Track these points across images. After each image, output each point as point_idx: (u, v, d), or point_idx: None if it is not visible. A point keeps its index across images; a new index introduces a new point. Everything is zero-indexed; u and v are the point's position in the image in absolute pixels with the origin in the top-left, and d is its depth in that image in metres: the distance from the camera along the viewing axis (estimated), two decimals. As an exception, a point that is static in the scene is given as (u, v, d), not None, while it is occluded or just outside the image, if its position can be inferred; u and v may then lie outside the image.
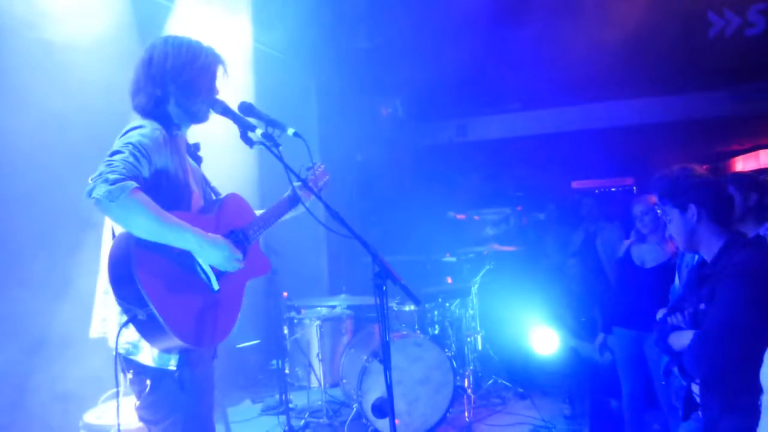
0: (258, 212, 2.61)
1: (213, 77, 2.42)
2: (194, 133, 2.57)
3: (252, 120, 2.38)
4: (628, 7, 7.27)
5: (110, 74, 3.66)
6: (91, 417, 3.30)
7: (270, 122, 2.36)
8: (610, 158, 9.45)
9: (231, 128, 2.41)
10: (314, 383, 5.30)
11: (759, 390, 1.89)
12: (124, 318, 2.07)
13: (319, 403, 5.13)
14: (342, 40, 7.31)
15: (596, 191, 10.29)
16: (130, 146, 2.09)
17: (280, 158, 2.34)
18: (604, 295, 4.45)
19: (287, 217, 2.72)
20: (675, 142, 8.99)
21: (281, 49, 6.67)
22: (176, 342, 2.06)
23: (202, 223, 2.22)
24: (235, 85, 2.57)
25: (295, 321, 5.39)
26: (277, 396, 5.38)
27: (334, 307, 5.49)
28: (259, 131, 2.34)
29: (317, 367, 5.22)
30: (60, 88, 3.82)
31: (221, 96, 2.44)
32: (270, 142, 2.33)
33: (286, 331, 5.37)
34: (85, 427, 3.27)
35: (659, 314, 3.16)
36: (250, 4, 5.89)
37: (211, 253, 2.16)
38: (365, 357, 4.60)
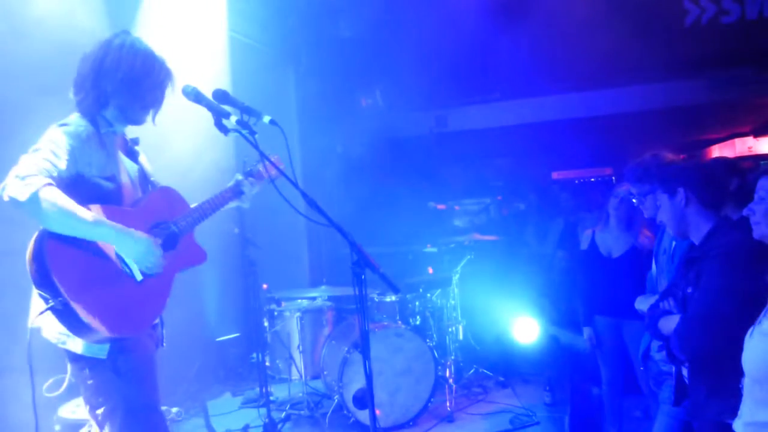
0: (194, 204, 2.60)
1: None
2: (165, 124, 2.53)
3: (227, 107, 2.36)
4: None
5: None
6: (65, 411, 3.26)
7: (245, 110, 2.35)
8: (589, 148, 9.51)
9: (207, 118, 2.36)
10: (295, 375, 5.27)
11: (742, 373, 1.90)
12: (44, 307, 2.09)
13: (300, 395, 5.10)
14: (321, 29, 7.25)
15: (576, 181, 10.36)
16: (51, 143, 2.14)
17: (255, 145, 2.33)
18: (578, 285, 4.47)
19: (232, 206, 2.74)
20: (652, 131, 9.06)
21: (259, 38, 6.58)
22: (95, 332, 2.09)
23: (125, 215, 2.25)
24: (210, 75, 2.54)
25: (276, 313, 5.35)
26: (258, 389, 5.34)
27: (314, 298, 5.46)
28: (234, 119, 2.31)
29: (298, 359, 5.19)
30: (28, 82, 3.72)
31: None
32: (245, 130, 2.31)
33: (266, 324, 5.33)
34: (58, 421, 3.23)
35: (638, 302, 3.19)
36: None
37: (128, 247, 2.19)
38: (346, 348, 4.58)
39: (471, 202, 7.80)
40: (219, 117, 2.33)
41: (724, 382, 2.16)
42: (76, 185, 2.17)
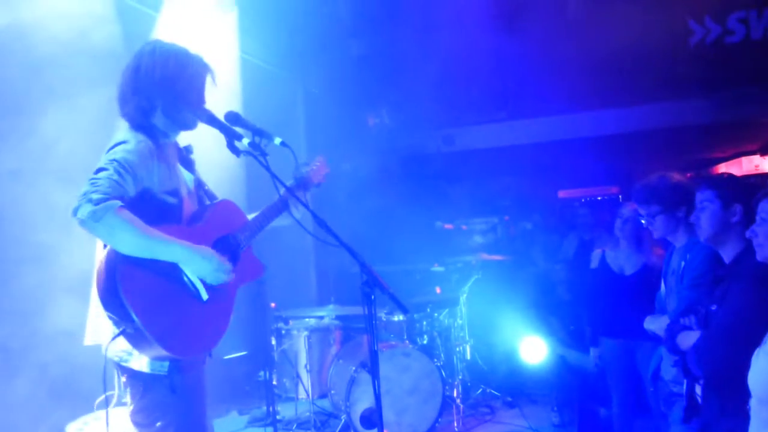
0: (250, 216, 2.60)
1: (201, 86, 2.42)
2: (181, 138, 2.57)
3: (239, 129, 2.39)
4: (611, 18, 7.36)
5: (97, 85, 3.66)
6: (73, 428, 3.27)
7: (257, 131, 2.37)
8: (596, 167, 9.53)
9: (218, 135, 2.40)
10: (302, 394, 5.25)
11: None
12: (116, 330, 2.09)
13: (307, 414, 5.09)
14: (329, 50, 7.32)
15: (582, 200, 10.36)
16: (115, 163, 2.10)
17: (267, 167, 2.35)
18: (587, 304, 4.45)
19: (279, 223, 2.70)
20: (659, 151, 9.08)
21: (268, 59, 6.67)
22: (164, 353, 2.08)
23: (190, 233, 2.23)
24: (221, 95, 2.56)
25: (283, 332, 5.35)
26: (265, 407, 5.32)
27: (322, 317, 5.46)
28: (246, 140, 2.34)
29: (305, 378, 5.18)
30: (48, 99, 3.80)
31: (208, 105, 2.43)
32: (257, 152, 2.34)
33: (273, 342, 5.33)
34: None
35: (647, 322, 3.18)
36: (236, 15, 5.88)
37: (198, 265, 2.18)
38: (353, 368, 4.58)
39: (478, 221, 7.81)
40: (231, 139, 2.35)
41: (737, 401, 2.16)
42: (142, 203, 2.15)
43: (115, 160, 2.11)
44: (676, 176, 3.20)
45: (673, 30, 7.96)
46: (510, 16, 7.66)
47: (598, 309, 4.16)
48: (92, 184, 2.02)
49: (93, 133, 3.65)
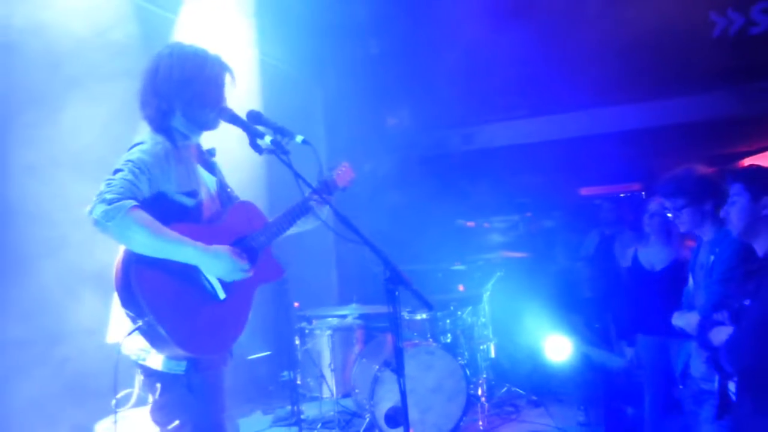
0: (271, 219, 2.60)
1: (220, 86, 2.43)
2: (204, 141, 2.58)
3: (260, 128, 2.39)
4: (630, 10, 7.26)
5: (116, 87, 3.70)
6: (102, 427, 3.29)
7: (278, 130, 2.38)
8: (618, 163, 9.40)
9: (239, 135, 2.41)
10: (326, 394, 5.27)
11: None
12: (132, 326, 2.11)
13: (331, 413, 5.10)
14: (347, 50, 7.34)
15: (605, 198, 10.22)
16: (130, 164, 2.14)
17: (289, 165, 2.35)
18: (620, 303, 4.40)
19: (297, 229, 2.68)
20: (682, 145, 8.93)
21: (287, 60, 6.69)
22: (178, 351, 2.10)
23: (208, 232, 2.24)
24: (241, 98, 2.56)
25: (306, 331, 5.37)
26: (289, 407, 5.35)
27: (345, 316, 5.47)
28: (268, 138, 2.35)
29: (329, 377, 5.19)
30: (66, 93, 3.86)
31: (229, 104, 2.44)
32: (279, 150, 2.34)
33: (297, 342, 5.35)
34: (96, 439, 3.27)
35: (676, 318, 3.13)
36: (254, 17, 5.92)
37: (213, 265, 2.19)
38: (377, 366, 4.57)
39: (499, 219, 7.76)
40: (254, 138, 2.36)
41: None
42: (158, 204, 2.17)
43: (130, 160, 2.15)
44: (702, 169, 3.15)
45: (694, 21, 7.82)
46: (529, 13, 7.59)
47: (631, 307, 4.12)
48: (107, 184, 2.06)
49: (109, 128, 3.74)
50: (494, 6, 7.31)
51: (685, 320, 3.01)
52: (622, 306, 4.23)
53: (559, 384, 5.71)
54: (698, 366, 2.97)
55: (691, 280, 3.21)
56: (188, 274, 2.18)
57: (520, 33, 7.29)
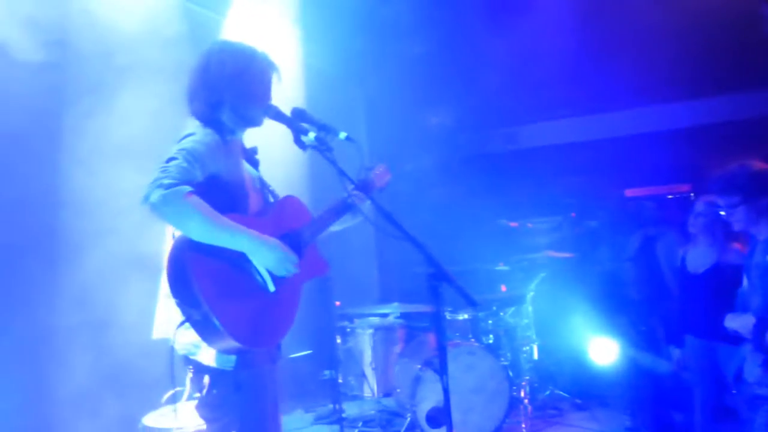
0: (315, 215, 2.62)
1: (268, 83, 2.46)
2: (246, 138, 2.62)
3: (304, 125, 2.41)
4: (678, 5, 7.07)
5: (164, 81, 3.82)
6: (150, 420, 3.36)
7: (322, 127, 2.40)
8: (665, 164, 9.14)
9: (283, 132, 2.44)
10: (367, 393, 5.28)
11: None
12: (182, 319, 2.11)
13: (372, 412, 5.11)
14: (389, 50, 7.34)
15: (652, 199, 9.96)
16: (184, 152, 2.15)
17: (333, 162, 2.36)
18: (667, 305, 4.30)
19: (340, 226, 2.71)
20: (732, 144, 8.61)
21: (329, 60, 6.74)
22: (231, 342, 2.09)
23: (257, 225, 2.24)
24: (285, 98, 2.59)
25: (348, 330, 5.39)
26: (330, 405, 5.38)
27: (386, 315, 5.47)
28: (311, 135, 2.37)
29: (370, 376, 5.20)
30: (118, 95, 3.98)
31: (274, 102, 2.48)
32: (323, 146, 2.36)
33: (338, 341, 5.37)
34: (144, 430, 3.34)
35: (728, 320, 3.02)
36: (298, 19, 5.99)
37: (264, 255, 2.19)
38: (418, 366, 4.56)
39: (543, 220, 7.65)
40: (298, 134, 2.39)
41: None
42: (209, 192, 2.17)
43: (184, 149, 2.17)
44: (757, 164, 3.03)
45: (744, 16, 7.56)
46: (573, 8, 7.46)
47: (678, 309, 4.03)
48: (162, 171, 2.07)
49: (156, 120, 3.85)
50: (537, 5, 7.23)
51: (739, 322, 2.90)
52: (668, 308, 4.13)
53: (605, 387, 5.58)
54: (753, 370, 2.86)
55: (745, 281, 3.09)
56: (240, 265, 2.18)
57: (563, 30, 7.18)
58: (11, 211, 3.53)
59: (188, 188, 2.05)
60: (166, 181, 2.03)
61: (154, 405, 3.50)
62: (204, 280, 2.06)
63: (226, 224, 2.11)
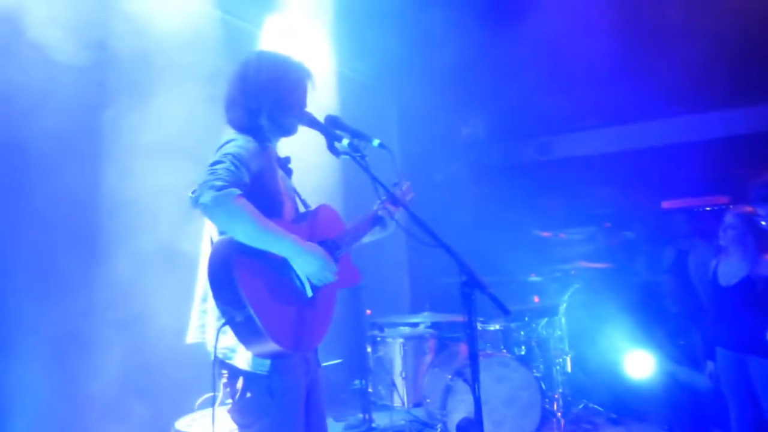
0: (349, 224, 2.64)
1: (303, 92, 2.50)
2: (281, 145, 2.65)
3: (338, 132, 2.43)
4: (715, 13, 6.93)
5: (199, 89, 3.89)
6: (182, 424, 3.39)
7: (355, 133, 2.43)
8: (703, 175, 8.94)
9: (317, 141, 2.46)
10: (397, 402, 5.24)
11: None
12: (222, 322, 2.13)
13: (402, 422, 5.07)
14: (422, 60, 7.35)
15: (683, 210, 9.75)
16: (230, 156, 2.18)
17: (366, 168, 2.37)
18: (701, 318, 4.23)
19: (370, 238, 2.72)
20: (771, 155, 8.39)
21: (361, 70, 6.79)
22: (271, 345, 2.10)
23: (296, 232, 2.27)
24: (319, 107, 2.61)
25: (378, 339, 5.37)
26: (360, 415, 5.36)
27: (417, 324, 5.45)
28: (345, 141, 2.39)
29: (400, 385, 5.17)
30: (158, 111, 4.06)
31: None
32: (356, 153, 2.37)
33: (369, 350, 5.36)
34: (176, 436, 3.36)
35: None
36: (332, 27, 6.05)
37: (307, 261, 2.22)
38: (449, 376, 4.52)
39: (576, 230, 7.54)
40: (332, 140, 2.41)
41: None
42: (250, 197, 2.18)
43: (229, 153, 2.20)
44: None
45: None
46: (606, 17, 7.37)
47: (710, 321, 3.94)
48: (211, 174, 2.10)
49: (190, 122, 3.92)
50: (569, 16, 7.16)
51: None
52: (704, 322, 4.06)
53: (641, 402, 5.45)
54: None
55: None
56: (281, 270, 2.21)
57: (597, 39, 7.10)
58: (51, 209, 3.61)
59: (238, 191, 2.09)
60: (218, 183, 2.07)
61: (185, 409, 3.53)
62: (249, 282, 2.08)
63: (273, 228, 2.14)
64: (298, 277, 2.24)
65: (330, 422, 5.67)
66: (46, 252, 3.61)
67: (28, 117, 3.47)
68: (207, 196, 2.04)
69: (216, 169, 2.12)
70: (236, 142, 2.28)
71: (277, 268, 2.20)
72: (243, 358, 2.24)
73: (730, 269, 3.81)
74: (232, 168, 2.14)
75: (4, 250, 3.42)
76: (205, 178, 2.09)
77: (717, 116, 8.08)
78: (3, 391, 3.40)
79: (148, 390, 3.87)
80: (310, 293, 2.27)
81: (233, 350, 2.24)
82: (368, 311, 5.42)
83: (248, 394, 2.25)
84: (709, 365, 3.91)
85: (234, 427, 2.37)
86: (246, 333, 2.10)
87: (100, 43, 3.91)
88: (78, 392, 3.69)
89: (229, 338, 2.19)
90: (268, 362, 2.23)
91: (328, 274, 2.27)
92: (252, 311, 2.04)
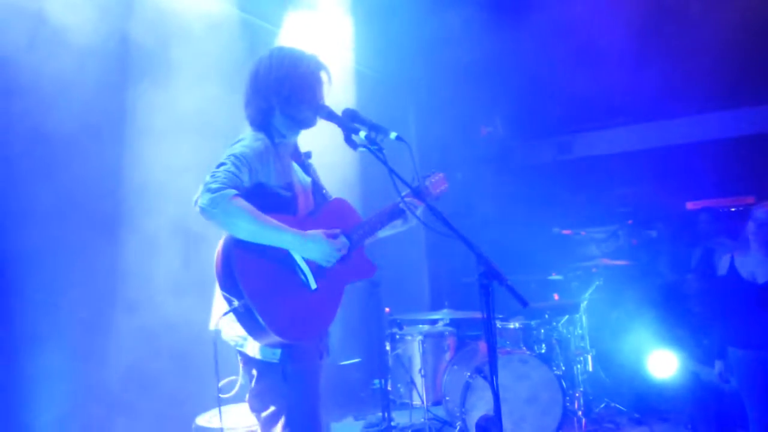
0: (365, 217, 2.66)
1: (316, 84, 2.52)
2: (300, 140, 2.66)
3: (355, 125, 2.43)
4: (741, 9, 6.81)
5: (223, 95, 3.93)
6: (202, 420, 3.42)
7: (373, 127, 2.43)
8: (728, 174, 8.80)
9: (335, 135, 2.46)
10: (416, 400, 5.22)
11: None
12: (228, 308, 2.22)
13: (422, 420, 5.05)
14: (440, 59, 7.34)
15: (708, 209, 9.59)
16: (233, 157, 2.29)
17: (383, 161, 2.37)
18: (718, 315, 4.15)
19: (390, 231, 2.74)
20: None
21: (380, 69, 6.79)
22: (272, 336, 2.18)
23: (304, 225, 2.34)
24: (335, 103, 2.62)
25: (397, 336, 5.36)
26: (380, 413, 5.35)
27: (436, 321, 5.43)
28: (362, 134, 2.39)
29: (419, 383, 5.15)
30: (178, 111, 4.12)
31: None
32: (373, 145, 2.38)
33: (388, 347, 5.36)
34: (196, 430, 3.40)
35: None
36: (351, 25, 6.07)
37: (308, 247, 2.29)
38: (468, 374, 4.50)
39: (597, 230, 7.46)
40: (349, 133, 2.41)
41: None
42: (257, 195, 2.30)
43: (232, 154, 2.30)
44: None
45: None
46: (626, 17, 7.29)
47: (726, 318, 3.86)
48: (212, 176, 2.22)
49: (208, 106, 4.02)
50: (590, 13, 7.10)
51: None
52: (716, 317, 3.97)
53: (665, 402, 5.38)
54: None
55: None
56: (284, 263, 2.28)
57: (619, 35, 7.03)
58: (74, 194, 3.67)
59: (233, 191, 2.18)
60: (214, 186, 2.17)
61: (207, 403, 3.56)
62: (247, 275, 2.18)
63: (271, 223, 2.23)
64: (301, 270, 2.31)
65: (350, 421, 5.74)
66: (71, 236, 3.65)
67: (52, 104, 3.54)
68: (203, 199, 2.16)
69: (216, 172, 2.23)
70: (243, 141, 2.38)
71: (280, 262, 2.28)
72: (254, 346, 2.32)
73: (757, 266, 3.72)
74: (233, 169, 2.24)
75: (28, 236, 3.46)
76: (206, 180, 2.20)
77: (743, 114, 7.94)
78: (23, 379, 3.45)
79: (172, 381, 3.92)
80: (313, 285, 2.33)
81: (245, 338, 2.32)
82: (387, 309, 5.41)
83: (263, 381, 2.33)
84: (718, 365, 3.85)
85: (253, 422, 2.44)
86: (247, 322, 2.19)
87: (121, 30, 4.01)
88: (98, 386, 3.74)
89: (240, 327, 2.25)
90: (278, 351, 2.30)
91: (335, 254, 2.33)
92: (250, 302, 2.14)
